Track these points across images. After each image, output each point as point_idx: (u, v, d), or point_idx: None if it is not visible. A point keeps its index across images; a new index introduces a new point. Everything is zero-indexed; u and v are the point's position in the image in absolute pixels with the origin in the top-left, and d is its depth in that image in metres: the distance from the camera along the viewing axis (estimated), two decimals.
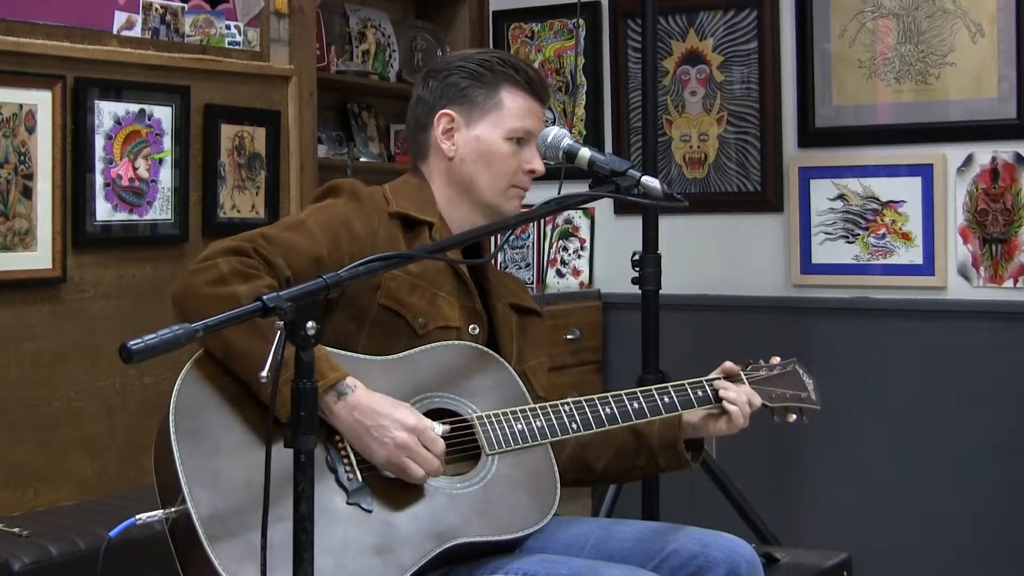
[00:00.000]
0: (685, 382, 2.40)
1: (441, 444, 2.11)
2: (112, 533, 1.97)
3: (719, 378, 2.44)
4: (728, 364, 2.47)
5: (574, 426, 2.27)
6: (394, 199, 2.37)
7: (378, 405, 2.09)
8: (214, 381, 2.08)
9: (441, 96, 2.42)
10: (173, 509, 1.98)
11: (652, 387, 2.37)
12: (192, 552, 1.96)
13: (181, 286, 2.13)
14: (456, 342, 2.29)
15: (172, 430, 2.01)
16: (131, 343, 1.67)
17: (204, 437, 2.03)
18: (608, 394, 2.33)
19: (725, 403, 2.38)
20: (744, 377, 2.46)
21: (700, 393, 2.39)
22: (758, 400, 2.42)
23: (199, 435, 2.02)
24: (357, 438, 2.09)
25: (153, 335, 1.68)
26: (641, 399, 2.34)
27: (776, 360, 2.53)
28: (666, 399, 2.36)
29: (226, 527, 1.96)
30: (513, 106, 2.40)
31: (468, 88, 2.40)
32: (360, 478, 2.09)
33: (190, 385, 2.07)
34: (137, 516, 1.98)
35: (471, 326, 2.35)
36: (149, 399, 3.42)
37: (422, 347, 2.25)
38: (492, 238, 4.59)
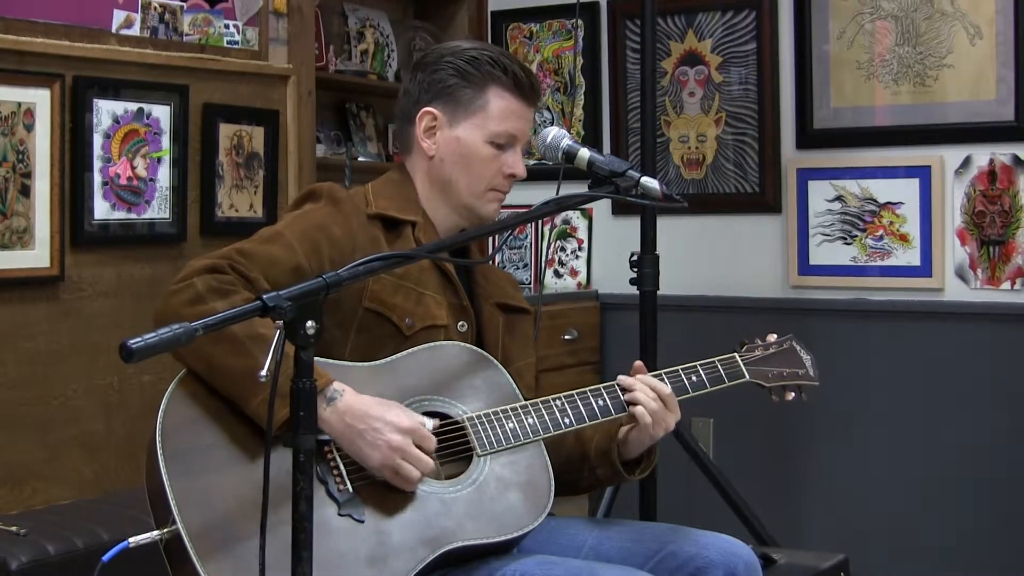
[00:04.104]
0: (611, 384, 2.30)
1: (433, 441, 2.10)
2: (105, 558, 1.95)
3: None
4: (638, 363, 2.34)
5: (567, 421, 2.24)
6: (375, 200, 2.33)
7: (369, 408, 2.07)
8: (201, 399, 2.06)
9: (426, 91, 2.36)
10: (165, 530, 1.97)
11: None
12: (185, 572, 1.95)
13: (161, 308, 2.10)
14: (443, 342, 2.26)
15: (159, 451, 1.99)
16: (131, 342, 1.66)
17: (193, 457, 2.01)
18: (600, 386, 2.29)
19: (629, 408, 2.27)
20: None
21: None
22: (666, 389, 2.28)
23: (187, 455, 2.00)
24: (349, 443, 2.06)
25: (153, 334, 1.68)
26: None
27: (772, 338, 2.47)
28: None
29: (218, 546, 1.95)
30: (498, 108, 2.33)
31: (454, 86, 2.34)
32: (351, 488, 2.07)
33: (177, 403, 2.05)
34: (129, 539, 1.96)
35: (459, 323, 2.32)
36: (147, 398, 3.42)
37: (408, 350, 2.22)
38: (490, 237, 4.60)
